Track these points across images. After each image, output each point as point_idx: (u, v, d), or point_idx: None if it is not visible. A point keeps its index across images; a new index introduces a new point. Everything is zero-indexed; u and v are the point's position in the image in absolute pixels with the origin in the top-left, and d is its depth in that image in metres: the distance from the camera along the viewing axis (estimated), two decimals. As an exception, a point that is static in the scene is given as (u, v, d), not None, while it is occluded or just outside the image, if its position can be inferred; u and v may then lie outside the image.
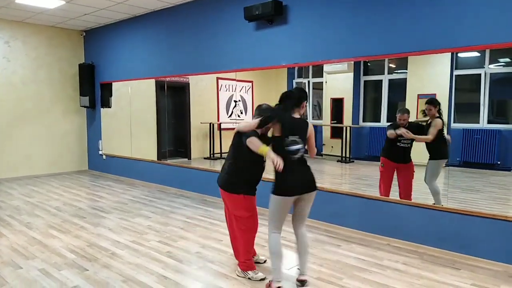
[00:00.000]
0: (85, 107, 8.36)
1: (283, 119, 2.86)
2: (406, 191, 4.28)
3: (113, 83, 7.90)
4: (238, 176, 3.12)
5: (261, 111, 3.10)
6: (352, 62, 4.88)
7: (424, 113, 4.28)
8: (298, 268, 3.11)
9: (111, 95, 7.99)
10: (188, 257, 3.68)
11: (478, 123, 4.44)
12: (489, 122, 4.41)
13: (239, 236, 3.20)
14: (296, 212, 3.02)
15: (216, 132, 7.08)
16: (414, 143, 4.32)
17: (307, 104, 3.16)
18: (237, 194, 3.10)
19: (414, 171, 4.36)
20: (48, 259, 3.61)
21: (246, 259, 3.20)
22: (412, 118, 4.38)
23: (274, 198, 2.87)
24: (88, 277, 3.23)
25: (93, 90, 8.29)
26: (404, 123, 4.29)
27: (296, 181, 2.83)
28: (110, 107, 8.05)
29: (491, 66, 4.33)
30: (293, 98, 2.91)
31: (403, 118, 4.29)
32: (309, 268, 3.41)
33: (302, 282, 3.01)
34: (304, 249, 3.02)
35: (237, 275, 3.23)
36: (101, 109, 8.22)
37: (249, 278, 3.14)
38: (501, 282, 3.16)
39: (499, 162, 4.35)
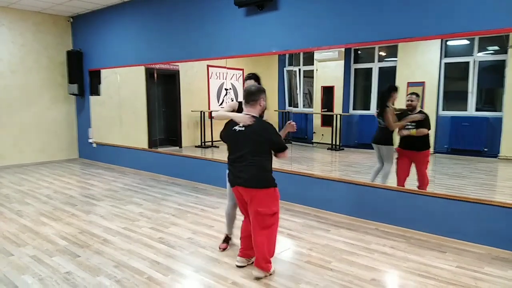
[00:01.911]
0: (74, 94, 8.26)
1: None
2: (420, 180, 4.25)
3: (102, 71, 7.81)
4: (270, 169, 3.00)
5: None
6: (343, 50, 4.89)
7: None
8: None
9: (100, 83, 7.90)
10: (179, 243, 3.71)
11: (466, 110, 4.51)
12: (477, 109, 4.47)
13: (272, 233, 2.98)
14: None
15: (207, 120, 7.06)
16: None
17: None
18: (274, 187, 2.95)
19: (427, 160, 4.27)
20: (39, 246, 3.62)
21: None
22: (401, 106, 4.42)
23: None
24: (80, 263, 3.25)
25: (82, 77, 8.18)
26: (411, 106, 4.28)
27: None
28: (99, 95, 7.97)
29: (480, 54, 4.38)
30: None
31: (410, 99, 4.30)
32: (298, 252, 3.49)
33: None
34: None
35: (257, 278, 2.95)
36: (90, 97, 8.13)
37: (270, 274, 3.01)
38: (484, 264, 3.26)
39: (486, 149, 4.43)
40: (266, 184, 2.90)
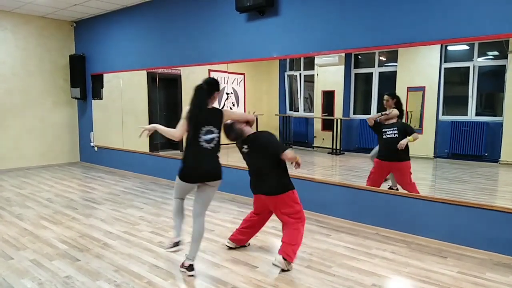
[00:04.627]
0: (76, 98, 8.30)
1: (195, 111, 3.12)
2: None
3: (104, 75, 7.85)
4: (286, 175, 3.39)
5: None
6: (343, 55, 4.90)
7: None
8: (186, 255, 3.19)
9: (102, 87, 7.94)
10: (180, 247, 3.70)
11: (466, 115, 4.51)
12: (477, 114, 4.47)
13: (299, 229, 3.27)
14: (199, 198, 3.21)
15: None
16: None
17: (218, 95, 3.34)
18: (291, 191, 3.34)
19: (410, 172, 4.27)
20: (39, 250, 3.62)
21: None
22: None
23: (177, 179, 3.12)
24: (80, 267, 3.25)
25: (84, 81, 8.22)
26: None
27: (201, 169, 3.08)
28: (101, 99, 8.01)
29: (480, 59, 4.38)
30: (204, 90, 3.15)
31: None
32: (299, 257, 3.48)
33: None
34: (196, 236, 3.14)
35: (276, 265, 3.20)
36: (92, 100, 8.17)
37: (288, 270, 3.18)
38: (486, 269, 3.24)
39: (486, 154, 4.42)
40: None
